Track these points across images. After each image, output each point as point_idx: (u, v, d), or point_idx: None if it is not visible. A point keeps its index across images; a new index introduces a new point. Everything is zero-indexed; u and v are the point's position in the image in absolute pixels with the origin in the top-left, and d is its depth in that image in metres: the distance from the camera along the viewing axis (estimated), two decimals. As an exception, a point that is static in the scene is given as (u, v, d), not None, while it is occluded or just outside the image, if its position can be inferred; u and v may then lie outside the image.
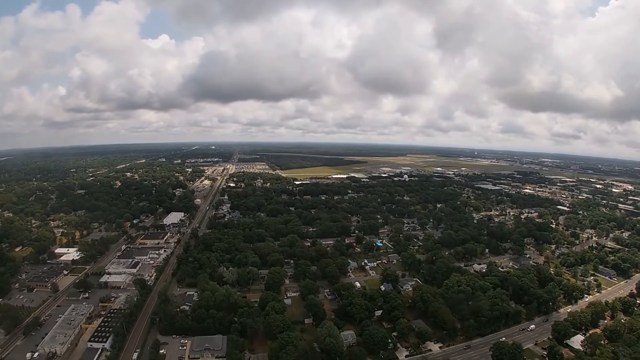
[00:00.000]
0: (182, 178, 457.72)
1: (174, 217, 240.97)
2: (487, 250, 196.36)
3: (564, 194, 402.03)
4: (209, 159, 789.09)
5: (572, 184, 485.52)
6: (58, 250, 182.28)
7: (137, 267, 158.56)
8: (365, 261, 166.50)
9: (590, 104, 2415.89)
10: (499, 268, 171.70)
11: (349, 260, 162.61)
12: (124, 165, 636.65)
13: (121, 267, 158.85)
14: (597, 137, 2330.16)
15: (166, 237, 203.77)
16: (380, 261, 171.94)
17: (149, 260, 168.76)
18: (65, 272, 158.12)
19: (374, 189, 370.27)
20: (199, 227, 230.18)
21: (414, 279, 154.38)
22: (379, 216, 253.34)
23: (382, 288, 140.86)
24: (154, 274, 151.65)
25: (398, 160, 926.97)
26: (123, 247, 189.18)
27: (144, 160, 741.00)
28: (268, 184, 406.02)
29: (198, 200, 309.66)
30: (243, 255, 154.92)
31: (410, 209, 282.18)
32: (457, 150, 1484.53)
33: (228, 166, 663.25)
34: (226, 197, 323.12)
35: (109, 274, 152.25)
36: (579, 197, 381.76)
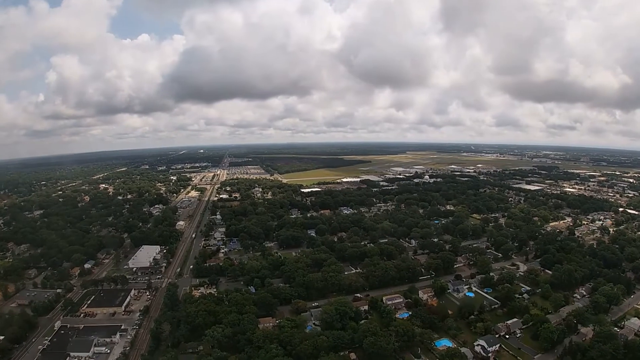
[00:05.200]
0: (163, 190, 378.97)
1: (145, 256, 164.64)
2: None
3: (609, 192, 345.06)
4: (197, 164, 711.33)
5: (603, 178, 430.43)
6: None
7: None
8: (482, 344, 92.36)
9: (597, 92, 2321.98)
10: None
11: (456, 345, 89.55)
12: (100, 176, 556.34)
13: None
14: (593, 128, 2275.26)
15: (128, 300, 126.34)
16: (497, 334, 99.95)
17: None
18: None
19: (402, 195, 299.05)
20: (181, 272, 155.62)
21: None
22: (436, 239, 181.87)
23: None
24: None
25: (401, 158, 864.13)
26: (57, 323, 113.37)
27: (124, 169, 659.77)
28: (269, 194, 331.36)
29: (181, 223, 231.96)
30: None
31: (466, 223, 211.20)
32: (452, 146, 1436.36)
33: (218, 172, 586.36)
34: (219, 216, 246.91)
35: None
36: (625, 194, 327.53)
